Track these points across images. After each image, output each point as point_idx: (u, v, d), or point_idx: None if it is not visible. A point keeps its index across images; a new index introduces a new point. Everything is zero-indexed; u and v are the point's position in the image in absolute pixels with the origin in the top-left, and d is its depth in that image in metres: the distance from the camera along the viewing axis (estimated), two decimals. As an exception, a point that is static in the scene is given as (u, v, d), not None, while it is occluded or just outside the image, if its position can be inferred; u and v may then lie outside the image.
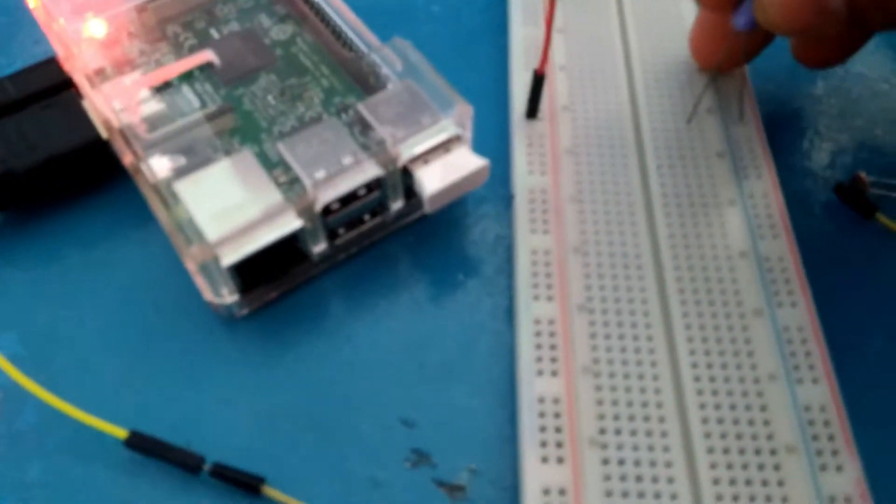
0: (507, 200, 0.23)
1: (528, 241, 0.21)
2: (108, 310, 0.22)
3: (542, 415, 0.18)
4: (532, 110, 0.24)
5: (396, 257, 0.23)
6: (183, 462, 0.19)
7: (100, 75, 0.25)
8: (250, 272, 0.21)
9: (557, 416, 0.18)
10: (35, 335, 0.22)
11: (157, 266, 0.23)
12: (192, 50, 0.25)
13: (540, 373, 0.19)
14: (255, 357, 0.21)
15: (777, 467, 0.18)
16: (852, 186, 0.23)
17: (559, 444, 0.18)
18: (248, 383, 0.21)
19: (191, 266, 0.20)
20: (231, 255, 0.20)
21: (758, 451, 0.18)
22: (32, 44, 0.28)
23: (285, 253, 0.21)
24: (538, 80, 0.23)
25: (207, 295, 0.21)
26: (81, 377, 0.21)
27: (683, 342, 0.19)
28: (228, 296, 0.21)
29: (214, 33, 0.26)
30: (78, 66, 0.24)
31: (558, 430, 0.18)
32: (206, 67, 0.25)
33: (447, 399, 0.20)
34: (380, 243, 0.23)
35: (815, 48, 0.23)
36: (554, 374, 0.19)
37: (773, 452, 0.18)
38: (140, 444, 0.19)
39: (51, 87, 0.25)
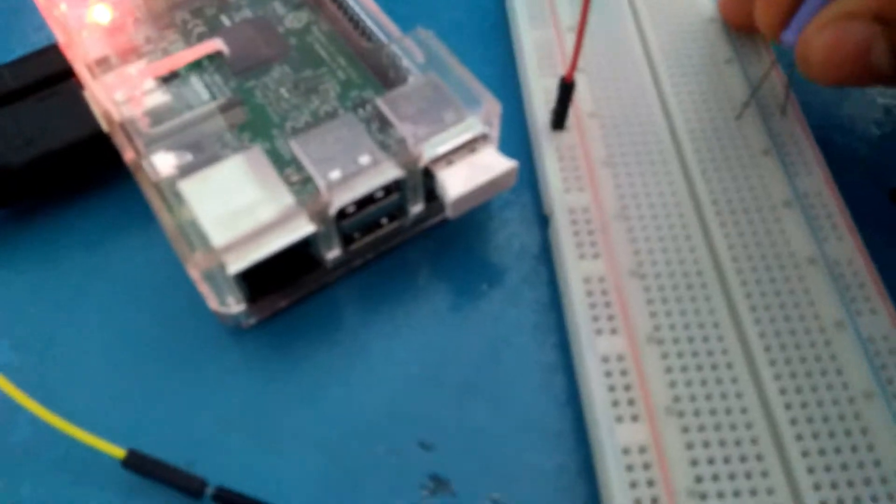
0: (530, 205, 0.20)
1: (579, 269, 0.17)
2: (107, 316, 0.18)
3: (629, 468, 0.14)
4: (559, 122, 0.20)
5: (415, 264, 0.19)
6: (184, 485, 0.15)
7: (103, 64, 0.20)
8: (259, 280, 0.16)
9: (647, 467, 0.14)
10: (29, 343, 0.18)
11: (160, 269, 0.18)
12: (202, 38, 0.21)
13: (619, 419, 0.15)
14: (263, 371, 0.17)
15: (892, 497, 0.14)
16: None
17: (654, 501, 0.14)
18: (254, 400, 0.17)
19: (194, 274, 0.16)
20: (238, 263, 0.15)
21: (867, 482, 0.14)
22: (33, 30, 0.23)
23: (296, 259, 0.17)
24: (566, 89, 0.19)
25: (212, 304, 0.17)
26: (78, 389, 0.17)
27: (766, 366, 0.15)
28: (235, 305, 0.17)
29: (225, 20, 0.21)
30: (79, 55, 0.19)
31: (650, 483, 0.14)
32: (215, 57, 0.20)
33: (468, 420, 0.17)
34: (398, 248, 0.19)
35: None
36: (634, 418, 0.15)
37: (883, 481, 0.14)
38: (139, 464, 0.15)
39: (51, 76, 0.20)
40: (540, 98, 0.20)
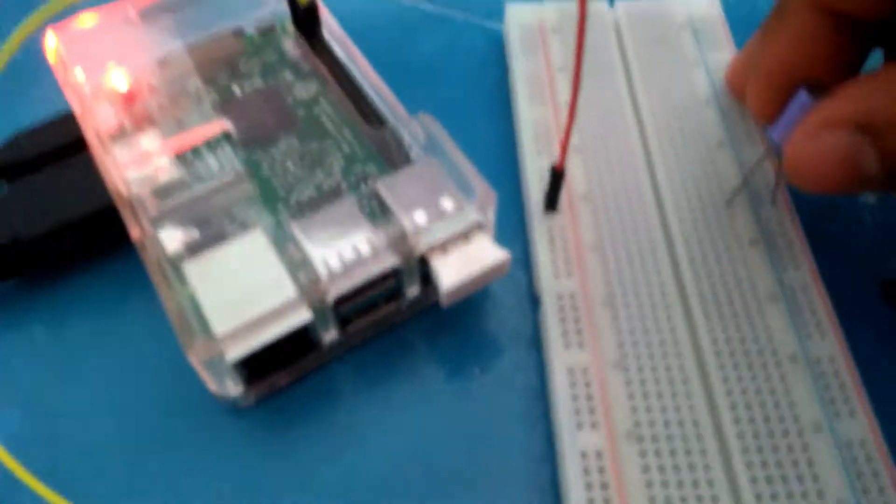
0: (523, 286, 0.19)
1: (564, 359, 0.17)
2: (112, 389, 0.18)
3: None
4: (551, 204, 0.20)
5: (411, 344, 0.19)
6: None
7: (118, 132, 0.20)
8: (257, 363, 0.17)
9: None
10: (37, 415, 0.18)
11: (164, 342, 0.18)
12: (214, 106, 0.21)
13: None
14: (260, 450, 0.17)
15: None
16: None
17: None
18: (251, 479, 0.17)
19: (194, 361, 0.16)
20: (237, 351, 0.16)
21: None
22: (55, 90, 0.23)
23: (294, 343, 0.17)
24: (557, 177, 0.19)
25: (211, 386, 0.17)
26: (81, 465, 0.17)
27: (743, 469, 0.15)
28: (233, 388, 0.17)
29: (236, 89, 0.22)
30: (91, 127, 0.20)
31: None
32: (226, 133, 0.20)
33: None
34: (395, 328, 0.19)
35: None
36: None
37: None
38: None
39: (69, 144, 0.20)
40: (535, 179, 0.20)
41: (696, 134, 0.21)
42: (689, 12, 0.24)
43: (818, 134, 0.15)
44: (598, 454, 0.15)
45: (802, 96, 0.16)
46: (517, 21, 0.24)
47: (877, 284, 0.19)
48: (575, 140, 0.21)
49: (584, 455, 0.15)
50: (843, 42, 0.17)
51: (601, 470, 0.15)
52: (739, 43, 0.23)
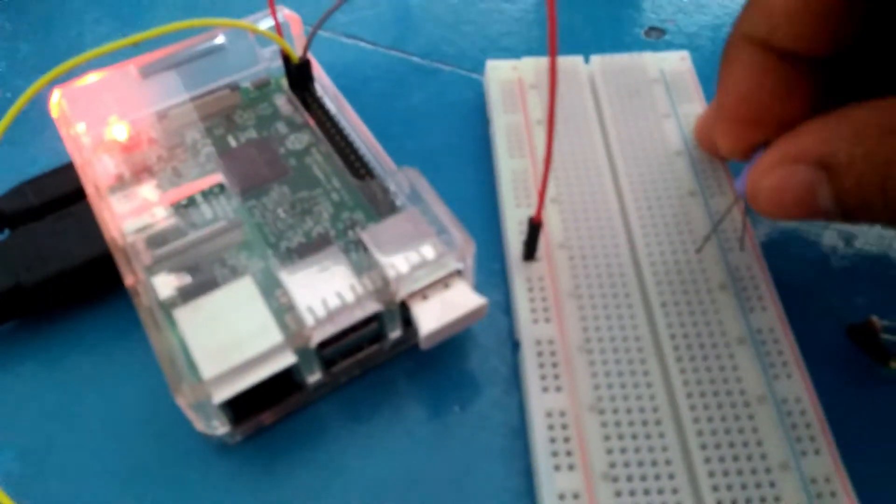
0: (503, 329, 0.20)
1: (542, 402, 0.17)
2: (104, 428, 0.18)
3: None
4: (529, 254, 0.20)
5: (394, 383, 0.19)
6: None
7: (117, 182, 0.21)
8: (243, 403, 0.17)
9: None
10: (32, 453, 0.18)
11: (154, 383, 0.18)
12: (210, 157, 0.22)
13: None
14: (246, 488, 0.17)
15: None
16: (865, 330, 0.19)
17: None
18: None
19: (182, 403, 0.16)
20: (223, 393, 0.16)
21: None
22: (59, 141, 0.23)
23: (280, 384, 0.17)
24: (534, 228, 0.19)
25: (199, 426, 0.17)
26: (66, 495, 0.17)
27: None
28: (220, 427, 0.17)
29: (232, 141, 0.23)
30: (89, 179, 0.20)
31: None
32: (220, 185, 0.21)
33: None
34: (379, 367, 0.19)
35: None
36: None
37: None
38: None
39: (71, 193, 0.21)
40: (514, 229, 0.21)
41: (668, 183, 0.22)
42: (662, 66, 0.25)
43: (779, 166, 0.15)
44: (576, 495, 0.15)
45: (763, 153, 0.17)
46: (496, 76, 0.25)
47: (838, 326, 0.19)
48: (552, 191, 0.22)
49: (561, 497, 0.15)
50: (794, 75, 0.17)
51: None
52: (709, 96, 0.24)
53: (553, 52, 0.15)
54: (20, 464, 0.18)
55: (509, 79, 0.25)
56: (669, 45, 0.28)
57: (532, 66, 0.25)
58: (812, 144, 0.15)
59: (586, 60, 0.26)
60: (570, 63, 0.25)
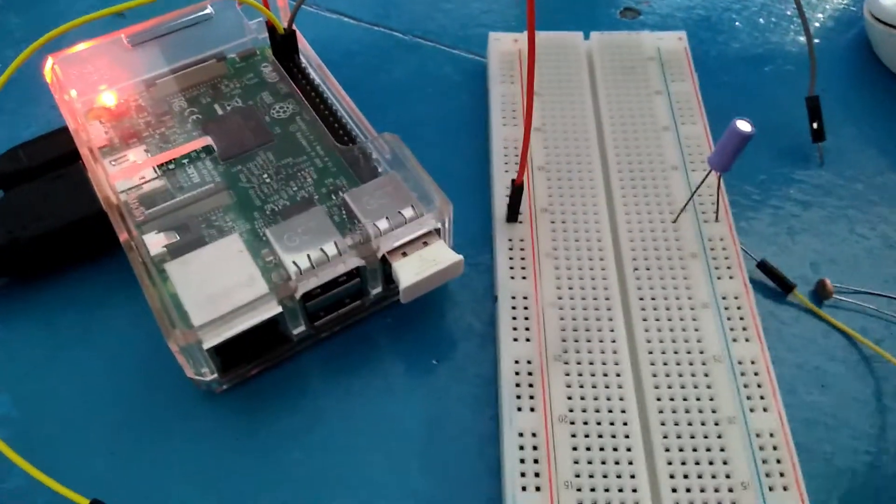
0: (483, 288, 0.24)
1: (511, 351, 0.21)
2: (93, 377, 0.23)
3: None
4: (512, 216, 0.24)
5: (374, 338, 0.24)
6: None
7: (107, 147, 0.25)
8: (231, 352, 0.21)
9: None
10: (27, 398, 0.22)
11: (146, 336, 0.23)
12: (197, 124, 0.26)
13: (524, 488, 0.19)
14: (232, 433, 0.22)
15: None
16: (818, 291, 0.24)
17: None
18: (222, 460, 0.21)
19: (174, 347, 0.20)
20: (213, 339, 0.20)
21: None
22: (51, 108, 0.29)
23: (266, 334, 0.21)
24: (516, 191, 0.24)
25: (189, 372, 0.21)
26: (65, 443, 0.21)
27: (662, 452, 0.20)
28: (209, 374, 0.22)
29: (218, 109, 0.27)
30: (83, 141, 0.25)
31: None
32: (208, 147, 0.26)
33: (408, 486, 0.21)
34: (360, 323, 0.24)
35: None
36: (538, 489, 0.19)
37: None
38: None
39: (62, 155, 0.26)
40: (501, 192, 0.25)
41: (652, 157, 0.26)
42: (659, 45, 0.30)
43: None
44: (534, 434, 0.20)
45: (736, 126, 0.21)
46: (497, 48, 0.30)
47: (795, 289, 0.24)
48: (540, 159, 0.26)
49: (521, 434, 0.20)
50: None
51: (535, 447, 0.19)
52: (701, 73, 0.29)
53: (531, 28, 0.19)
54: (16, 409, 0.22)
55: (510, 50, 0.30)
56: (643, 26, 0.33)
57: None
58: None
59: (586, 36, 0.30)
60: (569, 38, 0.30)
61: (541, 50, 0.29)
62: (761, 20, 0.33)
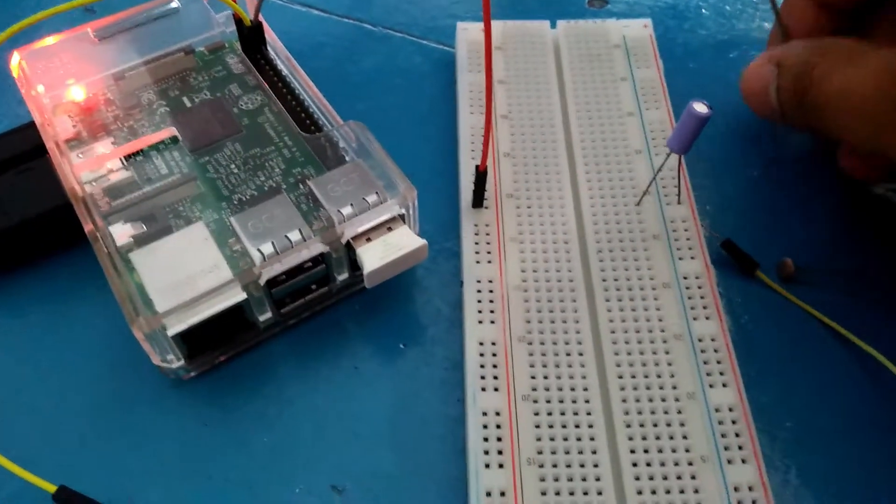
0: (450, 273, 0.24)
1: (476, 333, 0.22)
2: (63, 366, 0.23)
3: None
4: (477, 201, 0.25)
5: (342, 325, 0.24)
6: None
7: (75, 140, 0.26)
8: (197, 339, 0.21)
9: None
10: None
11: (114, 326, 0.23)
12: (165, 118, 0.27)
13: (487, 465, 0.19)
14: (200, 419, 0.22)
15: None
16: (780, 270, 0.24)
17: None
18: (191, 445, 0.22)
19: (138, 334, 0.20)
20: (177, 325, 0.20)
21: None
22: (18, 104, 0.29)
23: (232, 321, 0.22)
24: (480, 177, 0.24)
25: (155, 360, 0.21)
26: (32, 432, 0.22)
27: (622, 427, 0.20)
28: (175, 361, 0.22)
29: (186, 101, 0.27)
30: (50, 135, 0.25)
31: None
32: (175, 137, 0.26)
33: (376, 466, 0.21)
34: (327, 310, 0.24)
35: (854, 161, 0.25)
36: (501, 466, 0.19)
37: None
38: (67, 499, 0.20)
39: (30, 150, 0.26)
40: (468, 178, 0.25)
41: (617, 142, 0.26)
42: (624, 33, 0.30)
43: (759, 61, 0.22)
44: (497, 412, 0.20)
45: (692, 108, 0.21)
46: (465, 37, 0.30)
47: (761, 270, 0.24)
48: (506, 146, 0.26)
49: (485, 413, 0.20)
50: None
51: (498, 425, 0.20)
52: (667, 60, 0.29)
53: (487, 19, 0.20)
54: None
55: (477, 40, 0.30)
56: (611, 14, 0.33)
57: (500, 29, 0.30)
58: (782, 50, 0.21)
59: (553, 25, 0.30)
60: (536, 27, 0.30)
61: (508, 39, 0.29)
62: (727, 7, 0.33)
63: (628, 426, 0.20)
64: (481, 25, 0.30)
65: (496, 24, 0.30)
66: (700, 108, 0.21)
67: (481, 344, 0.21)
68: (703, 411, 0.20)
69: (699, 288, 0.22)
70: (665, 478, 0.19)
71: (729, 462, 0.19)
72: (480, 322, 0.22)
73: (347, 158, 0.24)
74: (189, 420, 0.22)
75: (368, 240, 0.22)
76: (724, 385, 0.21)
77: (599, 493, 0.19)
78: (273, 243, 0.21)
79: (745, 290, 0.24)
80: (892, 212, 0.26)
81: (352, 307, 0.24)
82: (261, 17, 0.27)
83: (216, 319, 0.20)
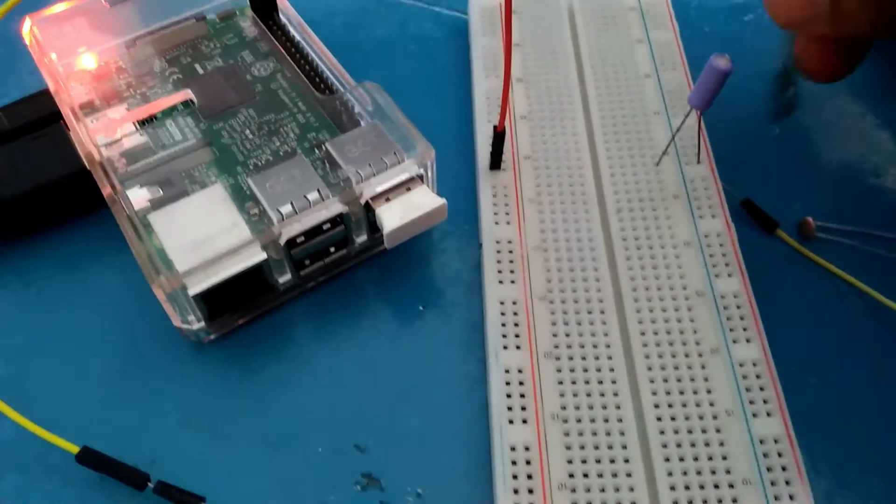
0: (468, 236, 0.24)
1: (496, 293, 0.22)
2: (83, 332, 0.23)
3: (514, 462, 0.19)
4: (495, 163, 0.25)
5: (361, 287, 0.24)
6: (129, 479, 0.20)
7: (88, 107, 0.26)
8: (217, 300, 0.21)
9: (528, 462, 0.19)
10: (14, 354, 0.23)
11: (132, 291, 0.23)
12: (177, 84, 0.26)
13: (511, 421, 0.19)
14: (220, 381, 0.22)
15: (735, 500, 0.18)
16: (801, 229, 0.24)
17: (531, 491, 0.18)
18: (212, 406, 0.22)
19: (159, 294, 0.20)
20: (198, 285, 0.20)
21: (717, 485, 0.19)
22: (28, 74, 0.29)
23: (252, 283, 0.22)
24: (498, 138, 0.24)
25: (176, 321, 0.21)
26: (54, 395, 0.22)
27: (646, 383, 0.20)
28: (196, 322, 0.22)
29: (199, 69, 0.27)
30: (65, 101, 0.25)
31: (530, 476, 0.19)
32: (188, 103, 0.26)
33: (399, 425, 0.21)
34: (346, 273, 0.24)
35: (817, 52, 0.22)
36: (524, 421, 0.19)
37: (731, 486, 0.18)
38: (90, 459, 0.20)
39: (42, 118, 0.26)
40: (484, 141, 0.25)
41: (634, 103, 0.26)
42: (640, -5, 0.30)
43: None
44: (520, 369, 0.20)
45: (714, 62, 0.21)
46: (479, 3, 0.30)
47: (781, 228, 0.24)
48: (523, 108, 0.26)
49: (507, 370, 0.20)
50: None
51: (521, 382, 0.20)
52: (682, 24, 0.29)
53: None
54: (6, 367, 0.22)
55: (491, 5, 0.30)
56: None
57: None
58: None
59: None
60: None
61: (521, 3, 0.29)
62: (743, -31, 0.33)
63: (652, 381, 0.20)
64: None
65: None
66: (722, 62, 0.21)
67: (502, 303, 0.21)
68: (726, 366, 0.20)
69: (720, 245, 0.22)
70: (690, 431, 0.19)
71: (754, 416, 0.19)
72: (501, 282, 0.22)
73: (363, 123, 0.24)
74: (210, 382, 0.22)
75: (387, 200, 0.22)
76: (747, 340, 0.20)
77: (624, 447, 0.19)
78: (292, 202, 0.21)
79: (766, 248, 0.24)
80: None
81: (370, 271, 0.24)
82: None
83: (236, 280, 0.20)
